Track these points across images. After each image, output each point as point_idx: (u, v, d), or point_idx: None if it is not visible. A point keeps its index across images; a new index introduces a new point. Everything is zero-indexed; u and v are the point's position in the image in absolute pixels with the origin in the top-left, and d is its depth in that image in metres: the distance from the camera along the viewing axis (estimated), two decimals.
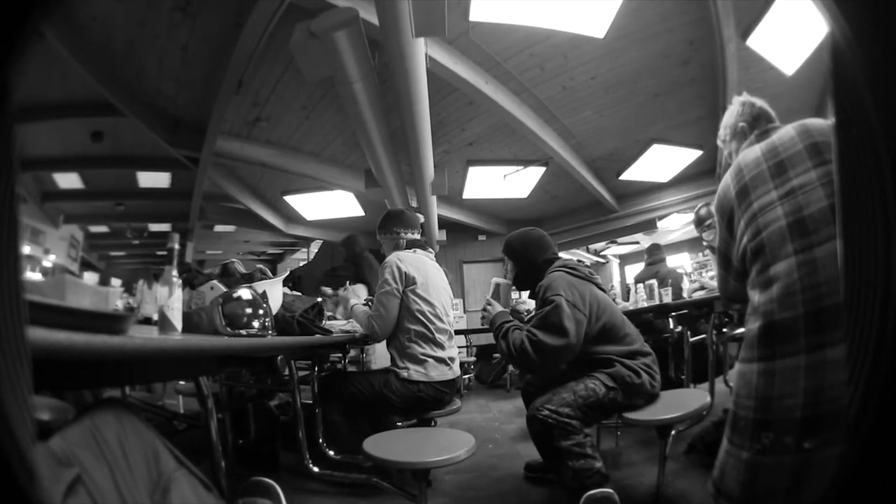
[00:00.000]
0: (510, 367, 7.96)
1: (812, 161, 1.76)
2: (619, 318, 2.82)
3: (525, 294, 3.22)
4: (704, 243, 4.47)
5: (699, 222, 4.45)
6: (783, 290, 1.68)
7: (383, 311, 3.17)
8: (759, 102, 2.20)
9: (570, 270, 2.82)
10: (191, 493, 1.30)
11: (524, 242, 3.08)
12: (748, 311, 1.88)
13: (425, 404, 3.11)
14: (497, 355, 8.57)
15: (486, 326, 2.99)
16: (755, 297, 1.82)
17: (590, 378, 2.60)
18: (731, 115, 2.25)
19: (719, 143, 2.36)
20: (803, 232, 1.68)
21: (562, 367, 2.80)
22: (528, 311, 3.64)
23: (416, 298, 3.20)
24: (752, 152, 2.00)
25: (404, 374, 3.06)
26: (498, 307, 2.95)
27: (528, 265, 3.02)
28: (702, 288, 4.70)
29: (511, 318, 2.89)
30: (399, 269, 3.21)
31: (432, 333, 3.19)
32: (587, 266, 2.98)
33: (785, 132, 1.94)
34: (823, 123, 1.87)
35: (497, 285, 3.09)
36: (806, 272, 1.63)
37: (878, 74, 0.73)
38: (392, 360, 3.21)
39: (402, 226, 3.49)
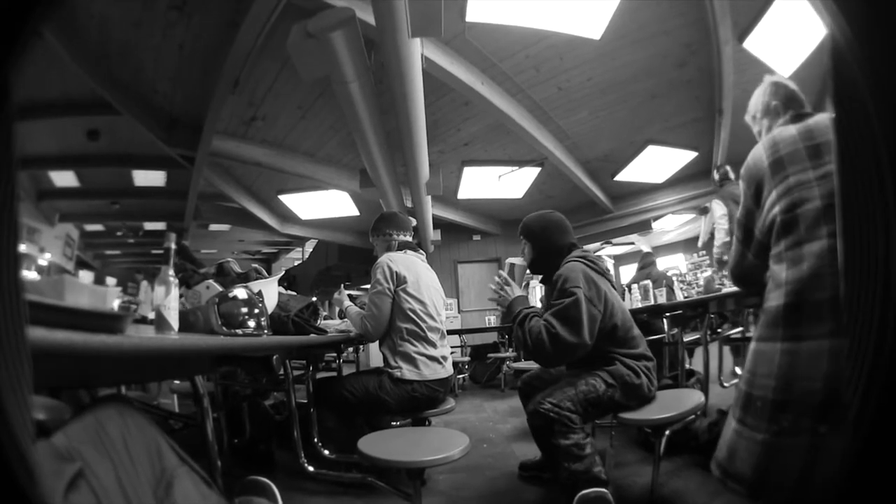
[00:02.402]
0: (505, 367, 7.95)
1: None
2: (628, 318, 2.78)
3: (537, 279, 3.05)
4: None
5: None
6: (813, 270, 1.67)
7: (375, 310, 3.20)
8: (792, 84, 2.20)
9: (589, 263, 2.73)
10: (193, 489, 1.31)
11: (544, 225, 2.96)
12: (770, 286, 1.85)
13: (419, 404, 3.13)
14: (492, 355, 8.56)
15: (499, 307, 2.89)
16: (782, 272, 1.79)
17: (590, 375, 2.56)
18: (762, 93, 2.26)
19: (748, 118, 2.37)
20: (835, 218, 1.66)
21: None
22: None
23: (407, 297, 3.23)
24: (787, 130, 1.97)
25: (397, 373, 3.08)
26: (517, 290, 2.83)
27: (547, 249, 2.90)
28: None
29: (530, 304, 2.77)
30: (390, 268, 3.23)
31: (424, 332, 3.21)
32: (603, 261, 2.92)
33: (821, 118, 1.92)
34: None
35: (512, 265, 2.99)
36: (835, 258, 1.53)
37: (878, 74, 0.74)
38: (385, 360, 3.23)
39: (395, 228, 3.53)
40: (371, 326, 3.21)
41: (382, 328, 3.22)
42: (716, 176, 5.73)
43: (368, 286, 3.34)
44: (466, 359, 8.94)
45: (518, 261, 3.01)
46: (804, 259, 1.71)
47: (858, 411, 0.79)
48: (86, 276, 12.24)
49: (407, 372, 3.09)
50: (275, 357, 2.43)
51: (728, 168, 5.91)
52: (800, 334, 1.67)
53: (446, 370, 3.27)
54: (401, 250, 3.44)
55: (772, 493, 1.64)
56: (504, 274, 2.89)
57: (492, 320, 9.77)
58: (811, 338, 1.63)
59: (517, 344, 2.79)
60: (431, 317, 3.29)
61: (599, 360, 2.63)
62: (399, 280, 3.24)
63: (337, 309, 3.91)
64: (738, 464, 1.74)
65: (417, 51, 4.37)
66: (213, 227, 11.89)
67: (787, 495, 1.59)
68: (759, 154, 2.02)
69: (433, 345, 3.25)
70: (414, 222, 3.69)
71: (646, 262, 6.68)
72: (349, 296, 3.66)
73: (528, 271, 3.04)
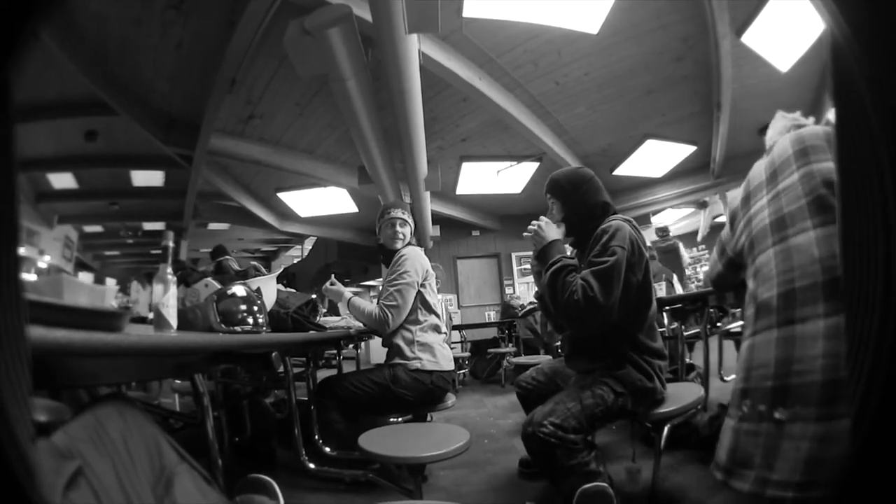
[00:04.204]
0: (505, 362, 7.94)
1: (797, 164, 1.93)
2: (655, 304, 2.54)
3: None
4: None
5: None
6: (764, 276, 1.89)
7: (401, 301, 3.18)
8: (784, 118, 2.29)
9: (634, 227, 2.44)
10: (193, 486, 1.31)
11: (575, 181, 2.62)
12: (746, 299, 2.05)
13: (434, 396, 3.16)
14: (493, 350, 8.55)
15: (533, 244, 2.52)
16: (750, 286, 2.00)
17: (597, 383, 2.32)
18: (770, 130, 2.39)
19: None
20: (781, 227, 1.87)
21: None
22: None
23: (430, 291, 3.30)
24: (759, 165, 2.18)
25: (416, 364, 3.09)
26: (555, 231, 2.48)
27: (579, 208, 2.57)
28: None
29: (570, 255, 2.44)
30: (421, 263, 3.28)
31: (440, 323, 3.30)
32: None
33: (781, 143, 2.08)
34: (818, 129, 2.02)
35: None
36: (780, 259, 1.82)
37: (877, 73, 0.74)
38: (398, 352, 3.19)
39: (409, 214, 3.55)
40: (393, 317, 3.17)
41: (401, 321, 3.22)
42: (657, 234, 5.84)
43: (367, 283, 3.35)
44: (466, 354, 8.95)
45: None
46: (760, 269, 1.94)
47: (858, 411, 0.79)
48: (85, 278, 12.26)
49: (427, 362, 3.11)
50: (274, 354, 2.43)
51: (668, 227, 6.17)
52: (756, 329, 1.88)
53: (452, 362, 3.31)
54: (416, 246, 3.50)
55: (738, 474, 1.77)
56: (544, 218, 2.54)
57: (491, 316, 9.76)
58: (763, 330, 1.83)
59: (542, 293, 2.47)
60: (441, 312, 3.38)
61: (611, 356, 2.39)
62: (427, 275, 3.29)
63: (328, 301, 3.82)
64: (720, 452, 1.89)
65: (414, 47, 4.37)
66: (213, 225, 11.89)
67: (752, 475, 1.70)
68: (739, 190, 2.28)
69: (444, 336, 3.37)
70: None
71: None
72: None
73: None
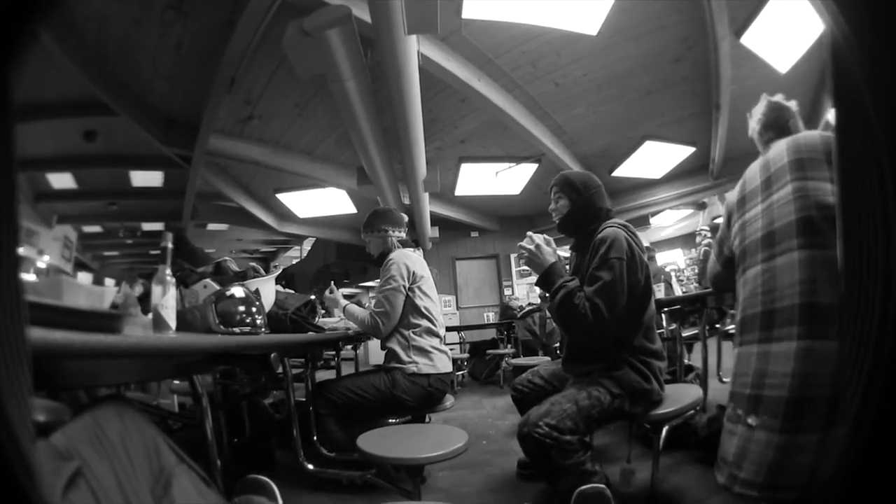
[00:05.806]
0: (504, 363, 7.93)
1: (791, 175, 1.99)
2: (654, 307, 2.57)
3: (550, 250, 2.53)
4: None
5: None
6: (750, 291, 2.05)
7: (389, 307, 3.20)
8: (771, 106, 2.36)
9: (631, 234, 2.45)
10: (192, 487, 1.31)
11: (586, 183, 2.67)
12: (736, 304, 2.19)
13: (433, 399, 3.17)
14: (491, 351, 8.54)
15: (530, 268, 2.52)
16: (739, 294, 2.15)
17: (594, 385, 2.34)
18: (752, 120, 2.44)
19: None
20: (770, 244, 1.99)
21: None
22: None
23: (422, 294, 3.29)
24: (755, 166, 2.25)
25: (412, 368, 3.10)
26: (550, 252, 2.47)
27: (584, 208, 2.63)
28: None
29: (566, 274, 2.44)
30: (407, 267, 3.27)
31: (436, 327, 3.28)
32: None
33: (778, 146, 2.14)
34: (815, 136, 2.07)
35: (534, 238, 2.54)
36: (766, 278, 1.96)
37: (877, 73, 0.74)
38: (394, 356, 3.20)
39: (391, 224, 3.50)
40: (383, 324, 3.20)
41: (394, 325, 3.24)
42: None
43: (366, 283, 3.34)
44: (465, 355, 8.94)
45: (540, 238, 2.53)
46: (748, 283, 2.08)
47: (858, 411, 0.80)
48: (84, 278, 12.23)
49: (423, 366, 3.12)
50: (273, 355, 2.43)
51: (653, 248, 6.42)
52: (741, 341, 2.07)
53: (450, 364, 3.32)
54: (407, 248, 3.48)
55: (718, 466, 2.03)
56: (535, 237, 2.52)
57: (490, 317, 9.75)
58: (746, 343, 2.03)
59: (555, 317, 2.45)
60: (438, 314, 3.38)
61: (608, 358, 2.40)
62: (415, 278, 3.28)
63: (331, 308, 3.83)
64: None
65: (414, 48, 4.37)
66: (212, 226, 11.86)
67: (727, 470, 1.94)
68: (734, 191, 2.36)
69: (441, 339, 3.34)
70: (407, 218, 3.64)
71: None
72: (343, 295, 3.63)
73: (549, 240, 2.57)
